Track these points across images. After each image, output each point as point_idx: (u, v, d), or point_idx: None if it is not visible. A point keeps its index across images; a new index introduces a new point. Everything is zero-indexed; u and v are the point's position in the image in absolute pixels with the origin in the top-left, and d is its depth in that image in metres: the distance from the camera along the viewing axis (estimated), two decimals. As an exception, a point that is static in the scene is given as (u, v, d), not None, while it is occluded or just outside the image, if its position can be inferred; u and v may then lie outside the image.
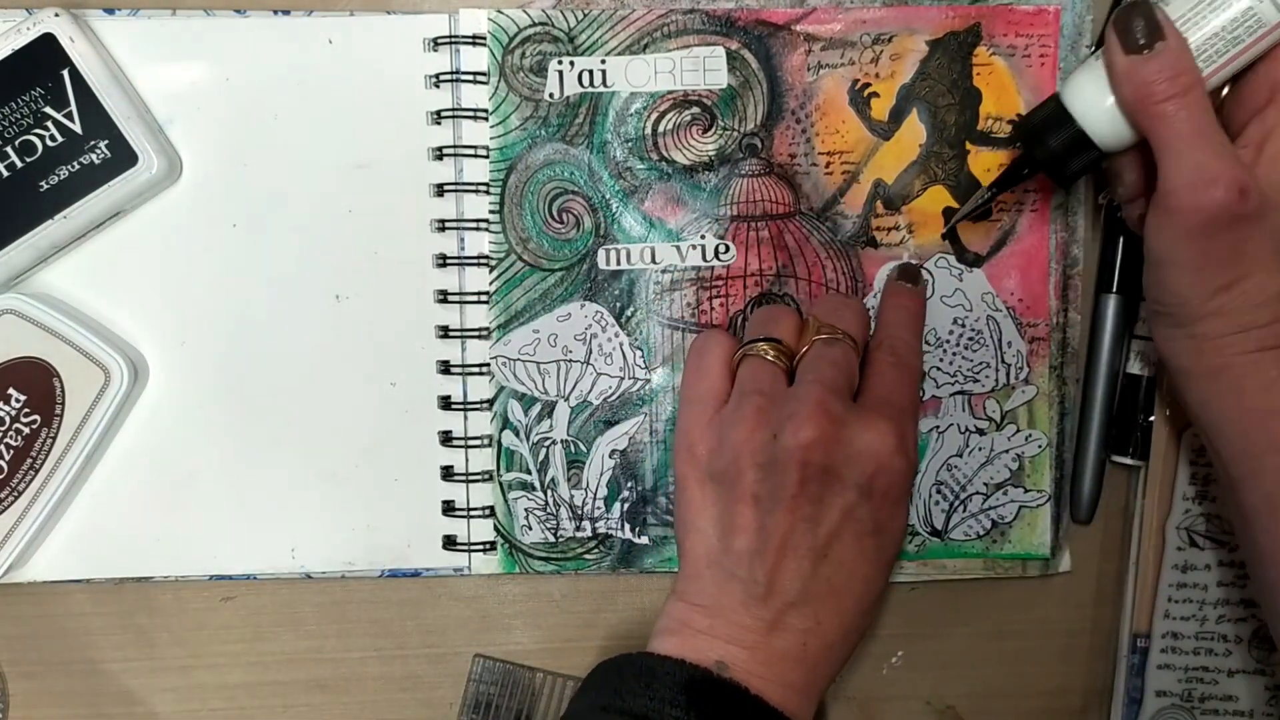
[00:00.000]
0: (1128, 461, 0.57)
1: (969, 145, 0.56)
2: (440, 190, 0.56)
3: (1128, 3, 0.45)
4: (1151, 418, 0.56)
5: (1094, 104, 0.46)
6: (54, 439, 0.54)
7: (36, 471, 0.54)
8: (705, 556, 0.48)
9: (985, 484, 0.58)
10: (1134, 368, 0.57)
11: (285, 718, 0.59)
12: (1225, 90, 0.48)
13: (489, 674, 0.58)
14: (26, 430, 0.54)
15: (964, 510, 0.58)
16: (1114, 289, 0.57)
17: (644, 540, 0.58)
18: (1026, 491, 0.58)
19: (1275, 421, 0.45)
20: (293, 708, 0.59)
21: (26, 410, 0.54)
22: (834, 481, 0.47)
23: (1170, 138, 0.44)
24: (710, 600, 0.47)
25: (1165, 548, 0.56)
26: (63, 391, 0.54)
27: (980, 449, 0.57)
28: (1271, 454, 0.45)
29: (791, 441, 0.46)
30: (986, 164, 0.56)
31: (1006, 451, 0.57)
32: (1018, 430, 0.57)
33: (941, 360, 0.57)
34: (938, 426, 0.57)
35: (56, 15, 0.53)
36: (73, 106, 0.53)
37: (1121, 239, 0.57)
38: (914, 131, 0.56)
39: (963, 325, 0.57)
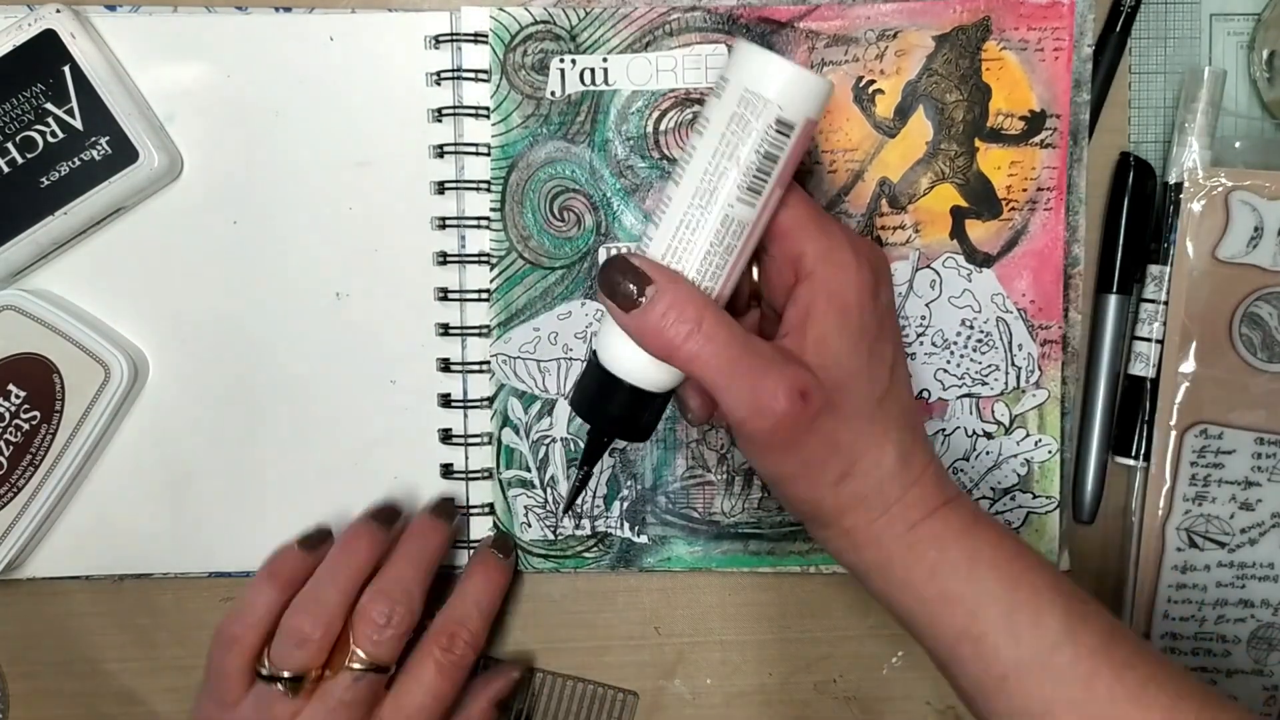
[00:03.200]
0: (1129, 462, 0.57)
1: (978, 143, 0.56)
2: (441, 188, 0.56)
3: (604, 262, 0.43)
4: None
5: (631, 359, 0.44)
6: (53, 435, 0.54)
7: (36, 468, 0.54)
8: None
9: (993, 489, 0.57)
10: (1135, 368, 0.57)
11: None
12: (755, 272, 0.46)
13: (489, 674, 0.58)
14: (26, 426, 0.54)
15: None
16: (1114, 289, 0.57)
17: (643, 539, 0.58)
18: (1035, 497, 0.57)
19: (954, 609, 0.43)
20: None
21: (26, 406, 0.54)
22: None
23: (711, 375, 0.41)
24: None
25: (1165, 548, 0.56)
26: (62, 388, 0.54)
27: (988, 453, 0.57)
28: (964, 644, 0.43)
29: None
30: (997, 161, 0.56)
31: (1015, 456, 0.57)
32: (1027, 435, 0.57)
33: (949, 362, 0.57)
34: (944, 429, 0.57)
35: (58, 11, 0.53)
36: (74, 103, 0.53)
37: (1121, 239, 0.57)
38: (921, 129, 0.56)
39: (971, 327, 0.57)
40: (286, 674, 0.49)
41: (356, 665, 0.49)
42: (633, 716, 0.59)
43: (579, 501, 0.57)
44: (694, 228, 0.41)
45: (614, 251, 0.56)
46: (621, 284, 0.41)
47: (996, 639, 0.42)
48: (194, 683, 0.58)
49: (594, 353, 0.45)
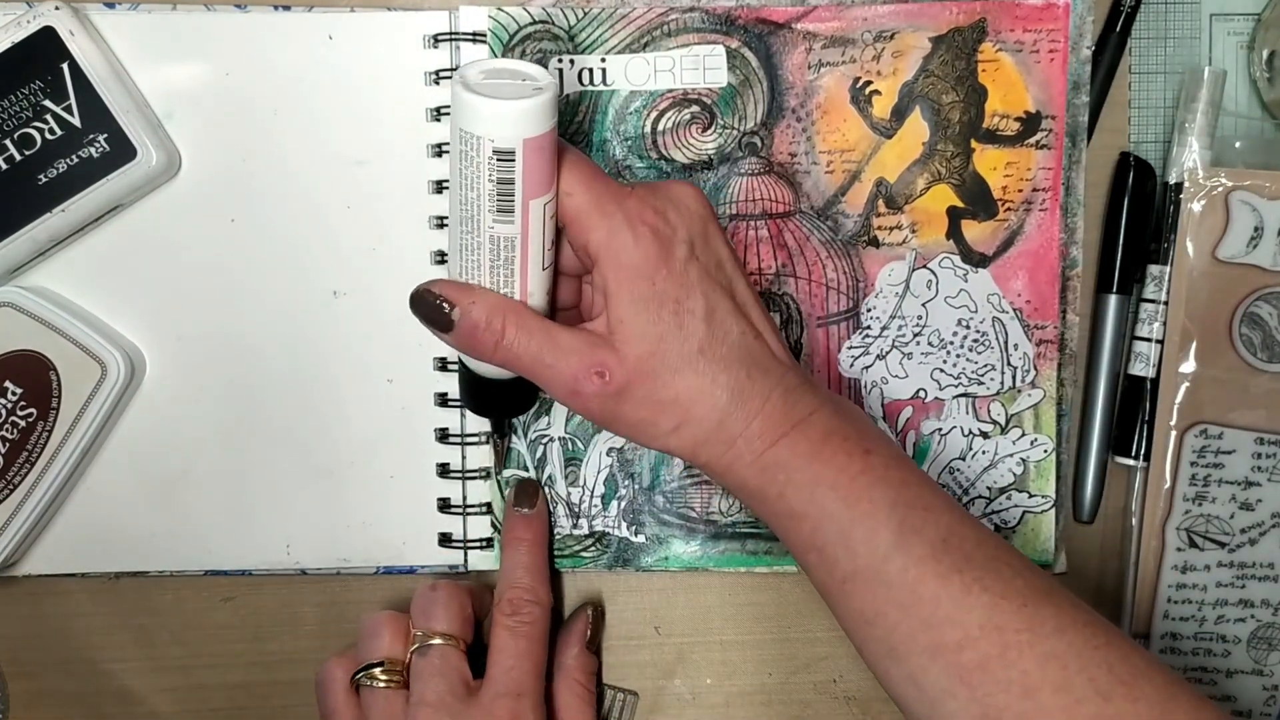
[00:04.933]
0: (1129, 462, 0.57)
1: (974, 143, 0.56)
2: (439, 187, 0.56)
3: (411, 296, 0.46)
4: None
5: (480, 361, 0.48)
6: (50, 432, 0.54)
7: (32, 465, 0.54)
8: None
9: (988, 488, 0.57)
10: (1135, 368, 0.57)
11: (285, 718, 0.59)
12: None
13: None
14: (22, 423, 0.54)
15: (965, 513, 0.57)
16: (1114, 289, 0.57)
17: (641, 539, 0.57)
18: (1031, 496, 0.57)
19: (800, 524, 0.46)
20: (292, 708, 0.59)
21: (23, 403, 0.54)
22: None
23: (523, 368, 0.46)
24: None
25: (1165, 548, 0.56)
26: (59, 385, 0.54)
27: (984, 452, 0.57)
28: (810, 553, 0.46)
29: None
30: (992, 162, 0.56)
31: (1011, 455, 0.57)
32: (1023, 434, 0.57)
33: (945, 362, 0.57)
34: (940, 429, 0.57)
35: (57, 9, 0.53)
36: (72, 100, 0.53)
37: (1121, 239, 0.57)
38: (917, 129, 0.56)
39: (967, 326, 0.57)
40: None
41: (415, 643, 0.53)
42: (633, 716, 0.59)
43: (580, 502, 0.57)
44: (472, 249, 0.45)
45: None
46: (431, 312, 0.46)
47: (835, 551, 0.45)
48: (194, 683, 0.59)
49: (459, 361, 0.50)
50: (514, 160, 0.42)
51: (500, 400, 0.50)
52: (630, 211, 0.45)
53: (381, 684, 0.52)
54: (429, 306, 0.46)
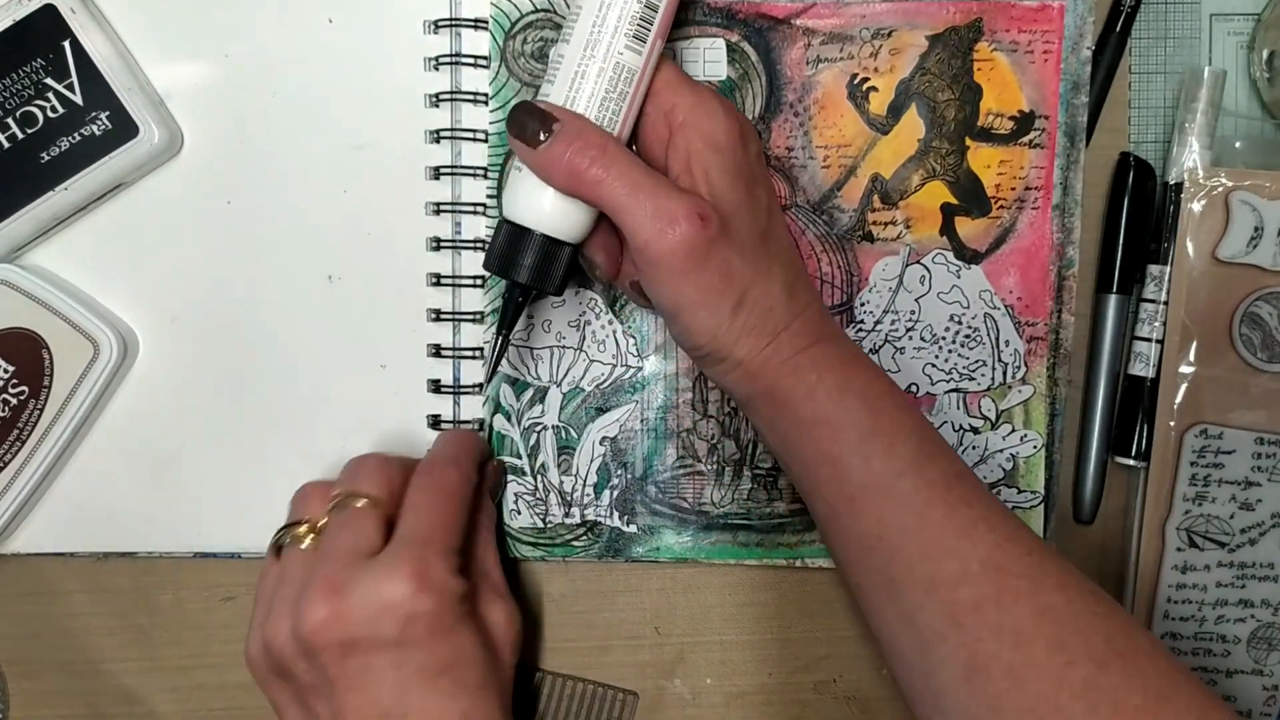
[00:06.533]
0: (1129, 462, 0.56)
1: (969, 141, 0.56)
2: (437, 173, 0.56)
3: (511, 109, 0.46)
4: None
5: (537, 206, 0.47)
6: (41, 411, 0.54)
7: (23, 443, 0.54)
8: None
9: (979, 483, 0.57)
10: (1135, 368, 0.56)
11: None
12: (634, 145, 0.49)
13: (487, 675, 0.57)
14: (14, 401, 0.54)
15: (958, 509, 0.57)
16: (1114, 289, 0.57)
17: (632, 529, 0.57)
18: (1020, 492, 0.57)
19: (821, 431, 0.46)
20: (291, 708, 0.59)
21: (15, 381, 0.54)
22: (368, 649, 0.45)
23: (616, 197, 0.45)
24: None
25: (1165, 548, 0.56)
26: (51, 363, 0.54)
27: (974, 448, 0.57)
28: (825, 465, 0.46)
29: (305, 628, 0.45)
30: (986, 160, 0.56)
31: (1001, 451, 0.57)
32: (1013, 430, 0.57)
33: (937, 357, 0.57)
34: (931, 424, 0.56)
35: (59, -13, 0.53)
36: (74, 78, 0.53)
37: (1122, 239, 0.56)
38: (913, 126, 0.56)
39: (959, 322, 0.56)
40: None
41: (333, 501, 0.50)
42: (633, 716, 0.58)
43: (572, 490, 0.57)
44: (586, 77, 0.46)
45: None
46: (529, 123, 0.45)
47: (850, 460, 0.45)
48: (194, 683, 0.59)
49: (502, 215, 0.48)
50: None
51: (538, 263, 0.48)
52: (711, 93, 0.48)
53: (301, 543, 0.50)
54: (528, 118, 0.45)
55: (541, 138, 0.45)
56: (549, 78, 0.47)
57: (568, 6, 0.54)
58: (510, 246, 0.48)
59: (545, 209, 0.47)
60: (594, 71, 0.46)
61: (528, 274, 0.48)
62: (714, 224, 0.45)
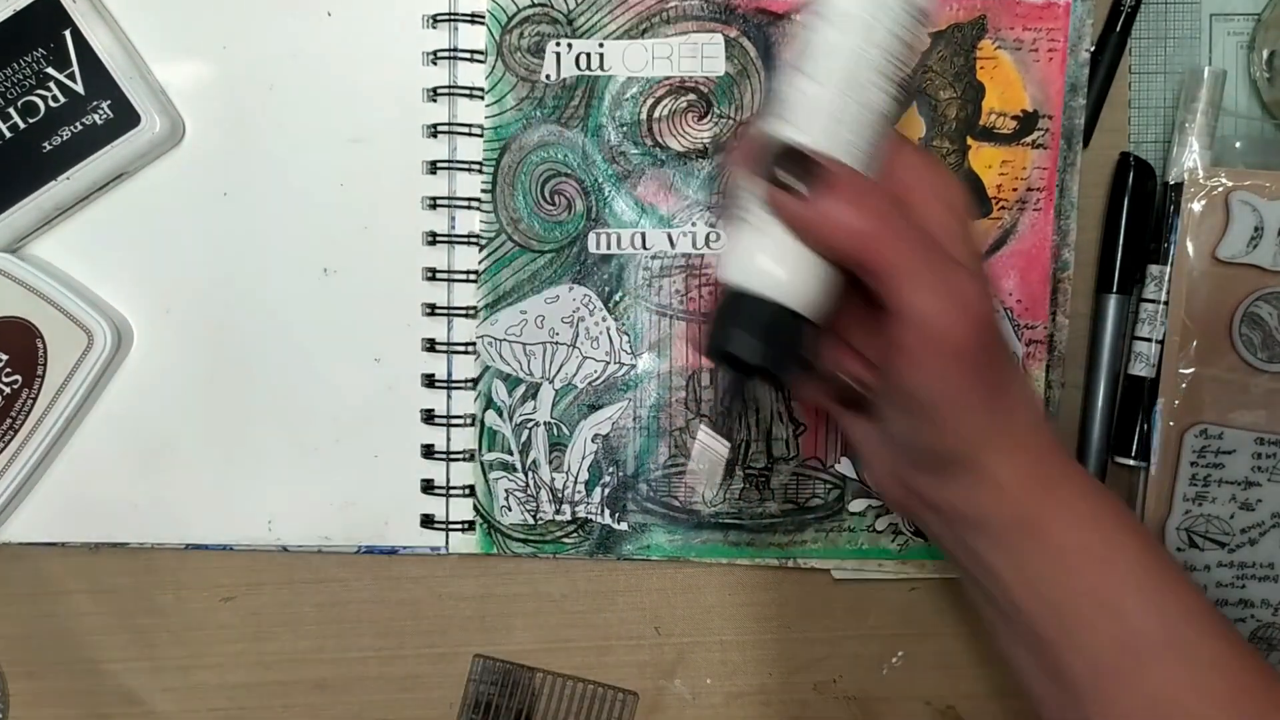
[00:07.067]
0: (1129, 462, 0.56)
1: (970, 140, 0.56)
2: (433, 167, 0.56)
3: (772, 151, 0.38)
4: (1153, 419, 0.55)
5: (777, 270, 0.39)
6: (34, 400, 0.54)
7: (15, 432, 0.54)
8: None
9: (979, 485, 0.56)
10: (1135, 368, 0.56)
11: (285, 718, 0.59)
12: None
13: (489, 674, 0.57)
14: (7, 390, 0.54)
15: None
16: (1114, 289, 0.56)
17: (623, 526, 0.56)
18: (1020, 493, 0.56)
19: (1082, 560, 0.39)
20: (293, 708, 0.59)
21: (8, 370, 0.54)
22: None
23: (900, 258, 0.37)
24: None
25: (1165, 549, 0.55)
26: (45, 353, 0.54)
27: (974, 448, 0.56)
28: (1095, 610, 0.39)
29: None
30: (988, 160, 0.56)
31: (1001, 451, 0.56)
32: (1013, 431, 0.56)
33: (936, 356, 0.56)
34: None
35: (60, -23, 0.54)
36: (75, 67, 0.53)
37: (1122, 239, 0.56)
38: (913, 125, 0.56)
39: (958, 322, 0.56)
40: None
41: None
42: (633, 716, 0.57)
43: (563, 487, 0.56)
44: (843, 121, 0.38)
45: (603, 237, 0.56)
46: (793, 172, 0.37)
47: (1130, 603, 0.39)
48: (194, 683, 0.58)
49: (726, 287, 0.40)
50: (924, 24, 0.38)
51: (776, 340, 0.39)
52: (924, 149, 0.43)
53: None
54: (793, 166, 0.37)
55: (808, 190, 0.37)
56: (782, 114, 0.39)
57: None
58: (747, 320, 0.39)
59: (783, 275, 0.38)
60: (852, 115, 0.38)
61: (766, 356, 0.39)
62: (993, 309, 0.38)
